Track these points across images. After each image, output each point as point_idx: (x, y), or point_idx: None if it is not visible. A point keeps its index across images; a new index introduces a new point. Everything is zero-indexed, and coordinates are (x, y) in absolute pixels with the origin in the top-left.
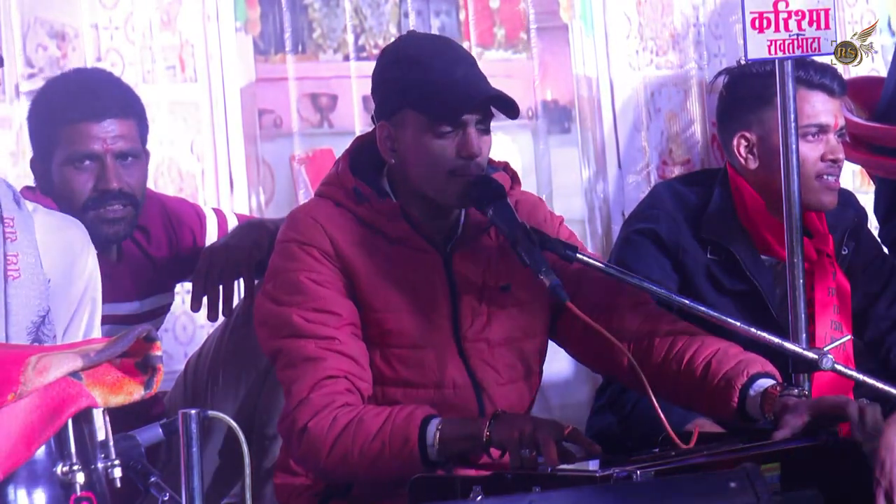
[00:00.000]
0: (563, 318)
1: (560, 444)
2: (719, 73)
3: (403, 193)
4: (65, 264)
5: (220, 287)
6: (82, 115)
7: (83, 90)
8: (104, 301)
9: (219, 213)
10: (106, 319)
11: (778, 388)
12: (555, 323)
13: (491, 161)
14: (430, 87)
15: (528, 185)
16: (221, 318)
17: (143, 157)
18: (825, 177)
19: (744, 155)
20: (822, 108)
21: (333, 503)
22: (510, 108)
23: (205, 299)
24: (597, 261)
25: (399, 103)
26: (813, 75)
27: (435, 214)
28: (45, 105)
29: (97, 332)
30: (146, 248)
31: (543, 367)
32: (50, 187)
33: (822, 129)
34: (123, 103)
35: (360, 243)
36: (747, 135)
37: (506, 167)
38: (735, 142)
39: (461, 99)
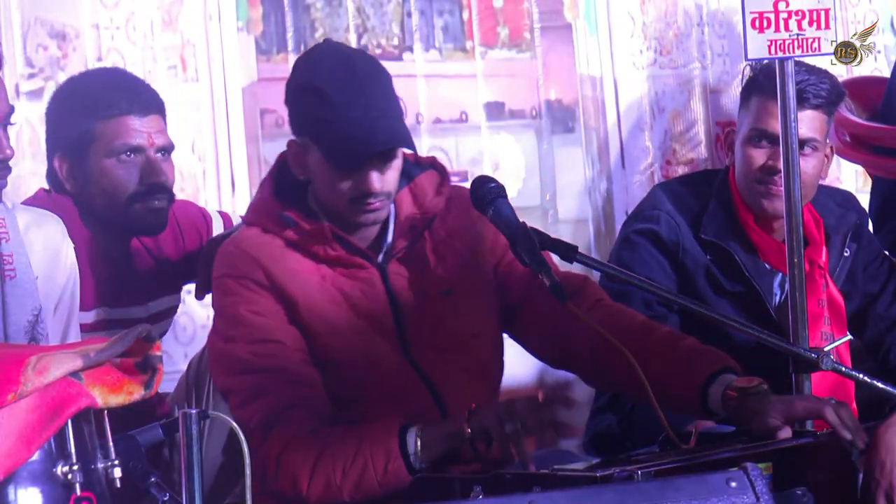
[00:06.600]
0: (521, 315)
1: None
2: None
3: (329, 209)
4: (47, 261)
5: None
6: (127, 110)
7: (120, 87)
8: (113, 306)
9: (224, 216)
10: (113, 324)
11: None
12: (512, 320)
13: (419, 159)
14: (326, 128)
15: (532, 185)
16: None
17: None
18: (764, 183)
19: (725, 148)
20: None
21: None
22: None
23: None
24: (597, 261)
25: (300, 131)
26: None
27: (355, 228)
28: (77, 101)
29: (76, 328)
30: (153, 250)
31: (504, 360)
32: (81, 183)
33: (766, 137)
34: (159, 101)
35: (293, 268)
36: (734, 129)
37: (433, 163)
38: (725, 132)
39: (357, 148)
